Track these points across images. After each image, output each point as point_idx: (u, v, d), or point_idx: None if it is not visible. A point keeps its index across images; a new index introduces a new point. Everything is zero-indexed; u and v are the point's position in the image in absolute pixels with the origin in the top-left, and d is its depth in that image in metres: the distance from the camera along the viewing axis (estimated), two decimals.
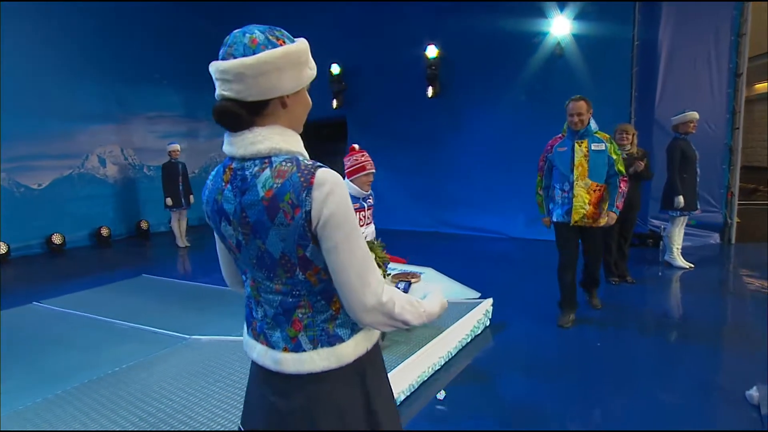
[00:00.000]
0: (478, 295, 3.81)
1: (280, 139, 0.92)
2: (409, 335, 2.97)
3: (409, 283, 1.93)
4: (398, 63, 7.53)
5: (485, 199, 7.07)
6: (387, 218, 8.25)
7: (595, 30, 5.99)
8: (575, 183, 3.25)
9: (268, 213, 0.88)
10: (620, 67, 6.00)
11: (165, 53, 8.63)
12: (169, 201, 6.95)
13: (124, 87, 8.16)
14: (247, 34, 0.90)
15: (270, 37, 0.90)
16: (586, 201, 3.25)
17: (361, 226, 2.99)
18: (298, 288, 0.93)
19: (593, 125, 3.26)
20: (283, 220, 0.87)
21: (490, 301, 3.48)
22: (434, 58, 7.04)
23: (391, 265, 2.35)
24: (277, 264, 0.92)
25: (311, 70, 0.97)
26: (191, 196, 7.13)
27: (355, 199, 2.95)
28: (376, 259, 2.00)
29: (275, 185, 0.87)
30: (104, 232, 7.82)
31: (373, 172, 3.01)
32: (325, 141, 9.58)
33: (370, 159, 3.02)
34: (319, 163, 0.91)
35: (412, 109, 7.62)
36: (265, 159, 0.91)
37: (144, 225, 8.35)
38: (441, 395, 2.52)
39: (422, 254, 6.28)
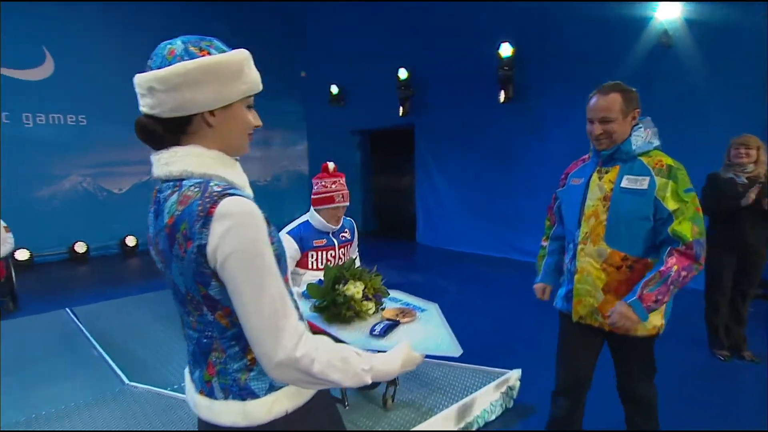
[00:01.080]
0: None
1: (195, 161, 0.86)
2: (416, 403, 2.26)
3: (395, 324, 1.34)
4: (468, 64, 6.72)
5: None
6: (449, 238, 7.48)
7: (715, 13, 4.64)
8: (579, 248, 1.75)
9: (169, 242, 0.83)
10: (749, 61, 4.56)
11: None
12: None
13: None
14: (168, 45, 0.88)
15: (191, 48, 0.87)
16: (598, 285, 1.71)
17: (321, 269, 2.37)
18: (210, 329, 0.88)
19: (639, 139, 1.67)
20: (178, 252, 0.82)
21: (516, 374, 2.60)
22: (508, 58, 6.12)
23: (399, 295, 1.78)
24: (185, 299, 0.88)
25: (246, 84, 0.90)
26: None
27: (319, 233, 2.39)
28: (369, 290, 1.49)
29: (176, 212, 0.82)
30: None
31: (344, 206, 2.40)
32: (391, 152, 9.06)
33: (344, 187, 2.42)
34: (232, 191, 0.82)
35: (482, 116, 6.76)
36: (177, 182, 0.86)
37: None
38: None
39: (484, 284, 5.43)
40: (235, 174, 0.90)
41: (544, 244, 2.10)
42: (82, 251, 7.14)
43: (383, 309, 1.58)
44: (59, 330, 4.08)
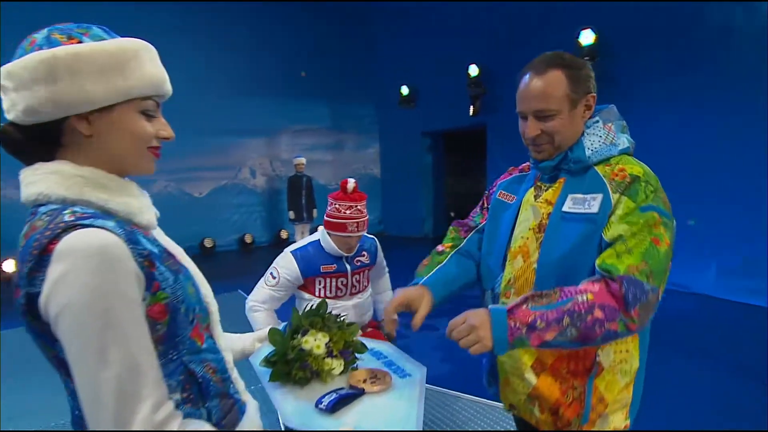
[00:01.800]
0: None
1: (56, 181, 0.68)
2: None
3: (354, 394, 1.01)
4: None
5: (688, 240, 5.11)
6: None
7: None
8: (500, 303, 1.18)
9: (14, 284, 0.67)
10: None
11: (314, 66, 8.86)
12: (291, 214, 7.00)
13: (275, 102, 8.64)
14: (35, 34, 0.71)
15: (54, 36, 0.69)
16: (526, 362, 1.13)
17: (339, 297, 2.06)
18: (75, 401, 0.68)
19: (596, 141, 1.11)
20: (14, 299, 0.66)
21: None
22: (590, 46, 5.40)
23: (386, 349, 1.41)
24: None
25: (132, 82, 0.71)
26: (314, 210, 7.06)
27: (329, 257, 2.03)
28: (337, 345, 1.20)
29: (20, 248, 0.66)
30: (248, 239, 8.40)
31: (358, 237, 2.01)
32: (463, 154, 8.55)
33: (361, 215, 2.00)
34: (89, 221, 0.64)
35: None
36: (34, 209, 0.70)
37: (284, 234, 8.73)
38: None
39: None
40: (118, 198, 0.72)
41: (443, 249, 1.34)
42: None
43: (355, 368, 1.25)
44: None
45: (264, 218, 8.82)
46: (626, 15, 5.20)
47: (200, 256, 7.97)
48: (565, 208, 1.08)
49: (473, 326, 0.97)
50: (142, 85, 0.74)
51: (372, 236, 2.23)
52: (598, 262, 0.99)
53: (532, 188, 1.19)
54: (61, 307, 0.60)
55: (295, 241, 2.11)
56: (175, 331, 0.74)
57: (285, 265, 1.98)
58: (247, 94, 8.29)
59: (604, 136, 1.10)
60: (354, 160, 9.79)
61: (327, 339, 1.21)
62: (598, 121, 1.12)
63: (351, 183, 2.05)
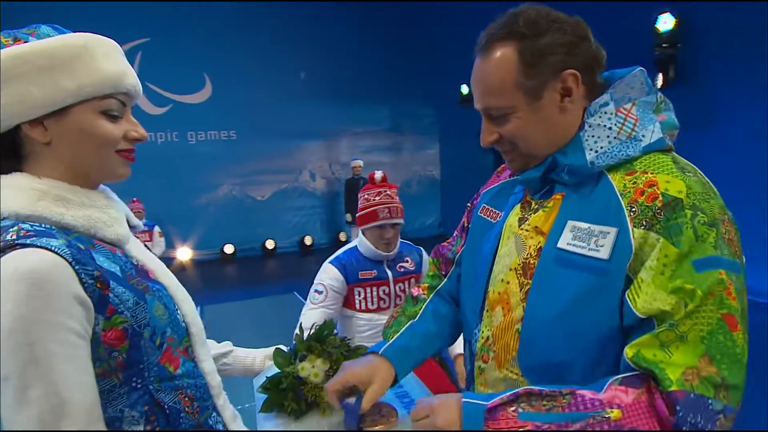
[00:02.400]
0: None
1: (10, 196, 0.64)
2: None
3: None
4: (615, 45, 5.51)
5: (748, 241, 4.47)
6: None
7: None
8: (477, 365, 0.85)
9: None
10: None
11: (372, 68, 8.84)
12: (348, 217, 7.03)
13: (335, 105, 8.72)
14: None
15: (1, 40, 0.65)
16: None
17: (381, 309, 1.91)
18: None
19: (603, 135, 0.73)
20: None
21: None
22: (668, 32, 4.86)
23: (408, 380, 1.23)
24: None
25: (84, 80, 0.66)
26: None
27: (367, 262, 1.89)
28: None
29: None
30: (307, 240, 8.54)
31: (393, 224, 1.85)
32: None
33: (392, 200, 1.87)
34: (31, 240, 0.59)
35: None
36: None
37: (342, 237, 8.79)
38: None
39: None
40: (79, 211, 0.67)
41: (419, 293, 1.05)
42: (230, 252, 7.96)
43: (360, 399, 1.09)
44: None
45: (323, 220, 8.93)
46: None
47: (262, 257, 8.23)
48: (561, 244, 0.73)
49: (436, 426, 0.69)
50: (94, 83, 0.68)
51: (419, 247, 2.09)
52: (629, 353, 0.65)
53: (519, 205, 0.84)
54: None
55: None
56: (138, 358, 0.67)
57: (328, 275, 1.87)
58: (308, 97, 8.44)
59: (616, 127, 0.72)
60: (413, 161, 9.65)
61: (327, 366, 1.07)
62: (607, 103, 0.73)
63: (378, 174, 1.95)
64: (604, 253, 0.67)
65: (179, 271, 7.29)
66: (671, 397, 0.60)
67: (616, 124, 0.72)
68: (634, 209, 0.67)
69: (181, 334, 0.77)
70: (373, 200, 1.87)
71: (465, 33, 8.93)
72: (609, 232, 0.68)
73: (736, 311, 0.61)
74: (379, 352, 0.91)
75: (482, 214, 0.94)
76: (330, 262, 1.93)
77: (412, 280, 1.98)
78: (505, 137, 0.78)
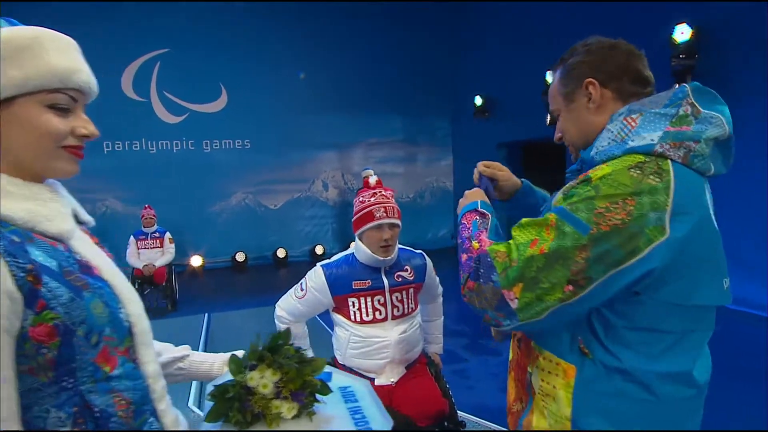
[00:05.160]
0: None
1: None
2: None
3: None
4: None
5: (763, 254, 4.30)
6: None
7: None
8: None
9: None
10: None
11: (387, 80, 8.88)
12: None
13: (349, 115, 8.76)
14: None
15: None
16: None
17: (378, 321, 1.83)
18: None
19: (606, 137, 0.93)
20: None
21: None
22: (686, 43, 4.75)
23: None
24: None
25: (30, 71, 0.66)
26: None
27: (364, 270, 1.80)
28: (291, 384, 1.00)
29: None
30: (319, 250, 8.54)
31: (391, 225, 1.75)
32: (539, 168, 7.93)
33: (388, 201, 1.79)
34: None
35: None
36: None
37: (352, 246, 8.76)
38: None
39: None
40: (17, 204, 0.66)
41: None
42: (242, 260, 8.00)
43: (312, 413, 1.00)
44: (179, 333, 4.47)
45: (335, 230, 8.93)
46: (728, 6, 4.51)
47: (274, 265, 8.24)
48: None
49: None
50: (42, 76, 0.68)
51: (420, 251, 1.99)
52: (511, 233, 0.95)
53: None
54: None
55: None
56: (69, 356, 0.65)
57: (313, 278, 1.83)
58: (322, 107, 8.50)
59: (617, 131, 0.90)
60: (426, 172, 9.62)
61: (277, 378, 1.00)
62: (621, 113, 0.92)
63: (373, 177, 1.88)
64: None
65: (191, 278, 7.35)
66: (484, 252, 0.89)
67: (619, 130, 0.90)
68: (570, 183, 0.91)
69: (123, 334, 0.74)
70: (369, 201, 1.79)
71: (481, 45, 9.02)
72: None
73: (545, 240, 0.82)
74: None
75: None
76: (322, 265, 1.86)
77: (411, 290, 1.88)
78: (559, 130, 1.05)
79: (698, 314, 0.86)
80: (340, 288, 1.80)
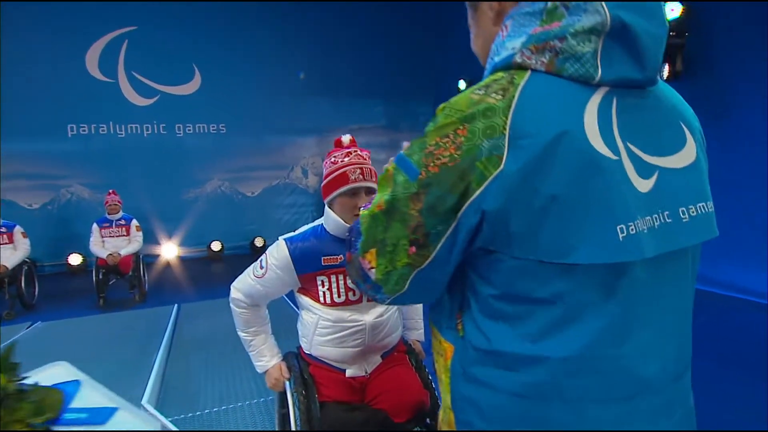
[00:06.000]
0: None
1: None
2: None
3: None
4: None
5: (762, 241, 4.20)
6: None
7: None
8: None
9: None
10: None
11: (369, 64, 8.60)
12: None
13: (329, 100, 8.46)
14: None
15: None
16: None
17: (351, 303, 1.56)
18: None
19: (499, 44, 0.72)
20: None
21: None
22: (675, 20, 4.60)
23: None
24: None
25: None
26: None
27: (334, 243, 1.52)
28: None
29: None
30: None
31: (370, 188, 1.48)
32: None
33: (365, 161, 1.52)
34: None
35: None
36: None
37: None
38: None
39: None
40: None
41: None
42: (218, 249, 7.68)
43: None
44: (144, 325, 4.21)
45: (315, 218, 8.48)
46: None
47: (251, 255, 7.93)
48: None
49: None
50: None
51: None
52: None
53: None
54: None
55: None
56: None
57: (275, 253, 1.54)
58: (302, 91, 8.19)
59: (494, 46, 0.71)
60: None
61: None
62: (505, 21, 0.70)
63: (346, 137, 1.62)
64: None
65: (163, 269, 7.01)
66: (358, 219, 0.74)
67: (495, 44, 0.71)
68: None
69: None
70: (342, 161, 1.51)
71: (462, 29, 8.86)
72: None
73: (383, 195, 0.68)
74: None
75: None
76: (285, 239, 1.57)
77: None
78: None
79: (589, 277, 0.60)
80: (307, 265, 1.52)
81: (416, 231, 0.63)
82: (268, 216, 8.21)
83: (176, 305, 4.82)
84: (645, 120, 0.63)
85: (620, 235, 0.57)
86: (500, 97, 0.60)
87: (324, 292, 1.55)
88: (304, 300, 1.60)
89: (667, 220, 0.62)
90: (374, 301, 0.80)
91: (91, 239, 5.06)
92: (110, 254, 4.92)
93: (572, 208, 0.57)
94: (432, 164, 0.62)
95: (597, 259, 0.58)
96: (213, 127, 7.83)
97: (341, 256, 1.50)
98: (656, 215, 0.61)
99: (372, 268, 0.69)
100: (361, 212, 0.72)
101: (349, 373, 1.57)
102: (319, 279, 1.54)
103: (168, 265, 7.24)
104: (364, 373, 1.59)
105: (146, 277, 5.50)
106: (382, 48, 8.62)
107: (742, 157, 4.30)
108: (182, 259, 7.51)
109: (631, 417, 0.63)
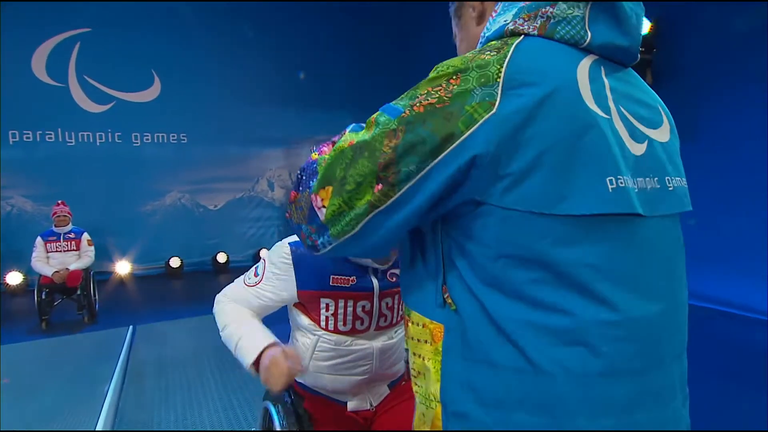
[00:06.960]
0: None
1: None
2: None
3: None
4: None
5: (739, 254, 4.30)
6: None
7: None
8: None
9: None
10: None
11: (337, 73, 8.45)
12: None
13: (295, 111, 8.22)
14: None
15: None
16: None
17: (357, 332, 1.33)
18: None
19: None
20: None
21: None
22: (644, 36, 4.72)
23: None
24: None
25: None
26: None
27: (347, 264, 1.31)
28: None
29: None
30: (263, 254, 7.90)
31: None
32: None
33: None
34: None
35: None
36: None
37: None
38: None
39: None
40: None
41: None
42: (177, 266, 7.22)
43: None
44: (94, 350, 3.82)
45: (281, 233, 8.32)
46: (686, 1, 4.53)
47: (213, 272, 7.52)
48: None
49: None
50: None
51: None
52: None
53: None
54: None
55: None
56: None
57: (274, 256, 1.30)
58: (268, 100, 7.91)
59: (487, 26, 0.74)
60: None
61: None
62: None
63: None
64: None
65: (116, 287, 6.50)
66: (314, 160, 0.71)
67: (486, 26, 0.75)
68: None
69: None
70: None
71: (433, 37, 8.82)
72: None
73: (363, 136, 0.65)
74: None
75: None
76: (289, 242, 1.31)
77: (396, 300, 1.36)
78: None
79: (580, 230, 0.58)
80: (311, 280, 1.28)
81: (387, 168, 0.61)
82: (231, 230, 7.81)
83: (131, 327, 4.41)
84: (630, 92, 0.66)
85: (609, 187, 0.57)
86: (495, 53, 0.61)
87: (327, 317, 1.31)
88: (301, 319, 1.36)
89: (657, 185, 0.63)
90: (311, 249, 0.70)
91: (34, 254, 4.58)
92: (56, 271, 4.46)
93: (564, 159, 0.57)
94: (417, 105, 0.61)
95: (586, 210, 0.57)
96: (173, 136, 7.42)
97: (354, 277, 1.30)
98: (648, 179, 0.62)
99: (323, 207, 0.65)
100: (321, 156, 0.69)
101: (351, 406, 1.36)
102: (323, 301, 1.30)
103: (122, 283, 6.72)
104: (369, 407, 1.38)
105: (97, 297, 5.03)
106: (349, 56, 8.51)
107: (714, 168, 4.41)
108: (137, 277, 6.99)
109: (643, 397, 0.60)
